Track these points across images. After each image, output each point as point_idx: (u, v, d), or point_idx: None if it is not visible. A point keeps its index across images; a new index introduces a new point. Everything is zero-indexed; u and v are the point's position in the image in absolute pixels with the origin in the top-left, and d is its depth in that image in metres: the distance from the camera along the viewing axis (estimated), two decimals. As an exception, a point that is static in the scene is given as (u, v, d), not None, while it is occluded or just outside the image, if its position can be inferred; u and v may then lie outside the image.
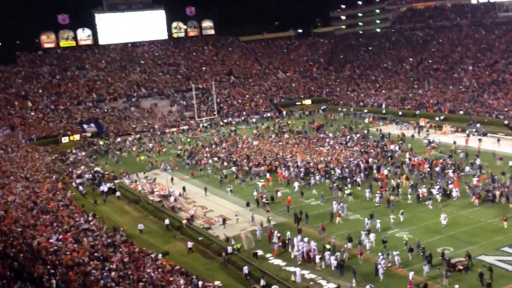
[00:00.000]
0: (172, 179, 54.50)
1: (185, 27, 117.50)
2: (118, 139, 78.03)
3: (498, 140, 60.60)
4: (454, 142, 59.78)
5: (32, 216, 37.27)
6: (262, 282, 30.96)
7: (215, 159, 61.10)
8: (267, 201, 45.20)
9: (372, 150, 58.57)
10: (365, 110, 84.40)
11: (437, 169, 49.21)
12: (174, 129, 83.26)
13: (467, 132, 65.35)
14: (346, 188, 46.67)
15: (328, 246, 34.40)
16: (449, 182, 45.37)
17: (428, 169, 49.67)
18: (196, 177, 56.44)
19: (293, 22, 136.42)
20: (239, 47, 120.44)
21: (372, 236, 35.26)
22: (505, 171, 47.53)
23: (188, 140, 74.81)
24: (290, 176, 51.81)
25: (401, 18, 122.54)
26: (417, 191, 43.97)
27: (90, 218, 40.63)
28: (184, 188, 51.18)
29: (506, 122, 67.62)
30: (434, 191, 43.06)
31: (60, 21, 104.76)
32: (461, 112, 75.22)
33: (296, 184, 49.42)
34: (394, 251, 32.90)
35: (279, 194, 47.06)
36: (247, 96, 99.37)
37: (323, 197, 45.51)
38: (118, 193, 51.66)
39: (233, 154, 62.24)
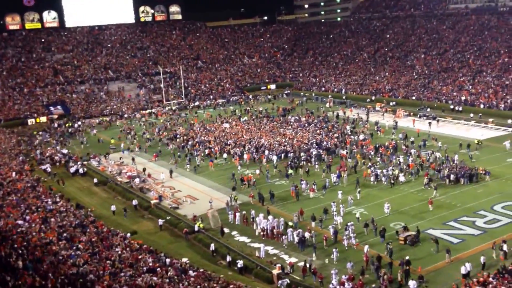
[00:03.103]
0: (133, 159, 54.39)
1: (152, 11, 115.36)
2: (79, 122, 76.14)
3: (438, 121, 64.55)
4: (396, 123, 62.95)
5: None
6: (228, 258, 31.44)
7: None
8: (243, 184, 45.02)
9: (335, 134, 59.49)
10: (329, 96, 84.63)
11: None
12: (144, 112, 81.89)
13: (419, 115, 68.07)
14: (291, 168, 47.45)
15: (290, 224, 35.08)
16: (393, 166, 45.78)
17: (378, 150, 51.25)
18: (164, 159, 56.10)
19: (259, 9, 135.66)
20: (206, 33, 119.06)
21: (339, 219, 35.43)
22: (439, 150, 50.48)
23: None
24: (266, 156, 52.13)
25: (360, 8, 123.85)
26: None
27: (57, 199, 39.98)
28: (144, 170, 50.68)
29: (452, 107, 70.09)
30: (385, 172, 44.25)
31: (25, 3, 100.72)
32: (414, 98, 77.24)
33: (275, 158, 50.51)
34: (349, 222, 34.14)
35: (257, 171, 47.48)
36: (214, 80, 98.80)
37: (268, 176, 46.32)
38: (95, 180, 49.38)
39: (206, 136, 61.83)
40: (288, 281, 27.76)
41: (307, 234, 32.88)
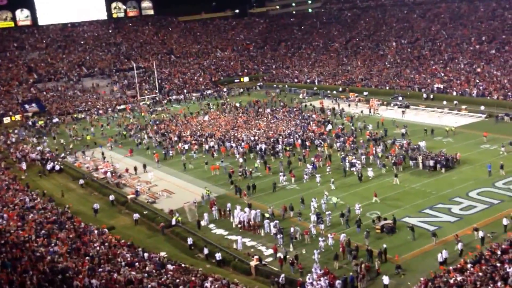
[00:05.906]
0: (103, 153, 53.64)
1: (124, 7, 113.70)
2: (55, 120, 74.49)
3: (408, 106, 65.48)
4: (369, 111, 63.98)
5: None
6: (206, 251, 30.94)
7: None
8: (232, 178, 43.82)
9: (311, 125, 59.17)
10: (315, 88, 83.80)
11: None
12: (124, 106, 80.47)
13: (392, 104, 68.34)
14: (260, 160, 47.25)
15: (267, 215, 34.65)
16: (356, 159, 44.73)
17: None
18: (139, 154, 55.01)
19: (230, 2, 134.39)
20: (178, 27, 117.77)
21: (313, 217, 33.73)
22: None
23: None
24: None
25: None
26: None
27: (34, 196, 39.37)
28: (135, 168, 48.61)
29: (425, 95, 70.28)
30: (357, 162, 43.79)
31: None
32: (388, 88, 77.14)
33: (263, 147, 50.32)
34: (327, 211, 33.97)
35: (240, 160, 47.41)
36: (188, 74, 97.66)
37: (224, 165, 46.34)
38: (81, 181, 46.69)
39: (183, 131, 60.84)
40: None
41: (292, 229, 32.13)
